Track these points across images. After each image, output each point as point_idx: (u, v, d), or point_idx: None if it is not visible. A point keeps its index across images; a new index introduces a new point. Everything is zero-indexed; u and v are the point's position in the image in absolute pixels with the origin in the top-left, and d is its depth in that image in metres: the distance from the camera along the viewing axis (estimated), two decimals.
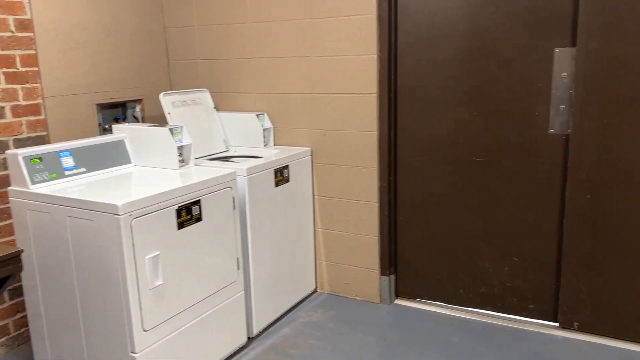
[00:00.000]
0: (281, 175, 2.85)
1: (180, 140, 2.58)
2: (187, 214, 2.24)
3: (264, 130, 3.13)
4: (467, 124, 2.78)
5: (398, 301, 3.13)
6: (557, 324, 2.78)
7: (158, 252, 2.11)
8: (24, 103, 2.64)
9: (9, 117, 2.58)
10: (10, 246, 1.75)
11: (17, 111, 2.61)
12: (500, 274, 2.85)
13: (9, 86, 2.57)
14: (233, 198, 2.48)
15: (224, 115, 3.19)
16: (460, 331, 2.77)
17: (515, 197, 2.74)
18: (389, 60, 2.83)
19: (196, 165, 2.64)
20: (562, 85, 2.55)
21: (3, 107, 2.55)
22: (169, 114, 2.86)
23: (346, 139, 2.98)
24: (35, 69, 2.68)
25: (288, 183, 2.91)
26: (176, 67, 3.43)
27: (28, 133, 2.67)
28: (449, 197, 2.89)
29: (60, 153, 2.35)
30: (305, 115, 3.07)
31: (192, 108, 3.02)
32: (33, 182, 2.21)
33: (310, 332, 2.80)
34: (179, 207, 2.20)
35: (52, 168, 2.29)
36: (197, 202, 2.28)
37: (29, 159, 2.23)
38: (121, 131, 2.66)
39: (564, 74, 2.54)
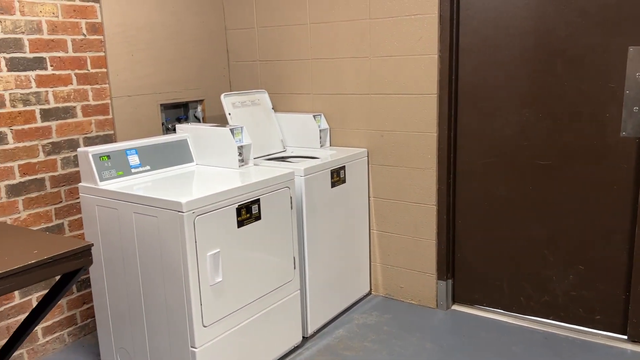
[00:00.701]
0: (337, 176, 2.84)
1: (240, 140, 2.62)
2: (247, 213, 2.27)
3: (321, 131, 3.13)
4: (531, 126, 2.68)
5: (455, 307, 3.05)
6: (625, 337, 2.63)
7: (218, 250, 2.14)
8: (93, 103, 2.76)
9: (79, 117, 2.70)
10: (81, 240, 1.83)
11: (87, 111, 2.73)
12: (564, 282, 2.73)
13: (80, 87, 2.69)
14: (290, 198, 2.50)
15: (282, 115, 3.22)
16: (521, 340, 2.67)
17: (582, 203, 2.62)
18: (450, 60, 2.77)
19: (255, 165, 2.68)
20: (637, 85, 2.42)
21: (74, 107, 2.68)
22: (229, 114, 2.92)
23: (404, 140, 2.94)
24: (104, 70, 2.79)
25: (344, 184, 2.90)
26: (236, 68, 3.49)
27: (97, 132, 2.79)
28: (511, 201, 2.80)
29: (127, 151, 2.44)
30: (363, 116, 3.05)
31: (251, 109, 3.07)
32: (102, 179, 2.31)
33: (366, 334, 2.78)
34: (239, 205, 2.23)
35: (119, 166, 2.38)
36: (257, 201, 2.31)
37: (99, 157, 2.33)
38: (184, 131, 2.73)
39: (638, 74, 2.41)
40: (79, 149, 2.34)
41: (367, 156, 3.08)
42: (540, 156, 2.68)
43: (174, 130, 2.79)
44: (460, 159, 2.90)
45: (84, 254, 1.78)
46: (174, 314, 2.14)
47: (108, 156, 2.36)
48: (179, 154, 2.64)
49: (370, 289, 3.25)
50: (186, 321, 2.10)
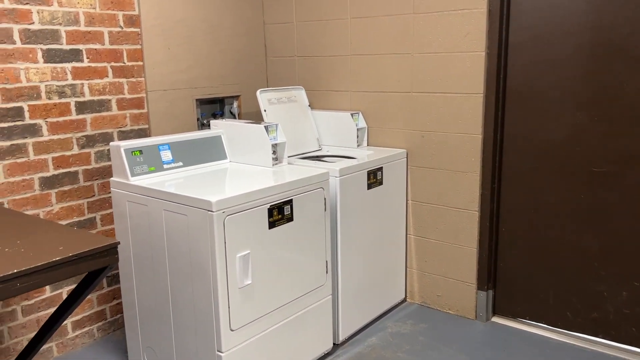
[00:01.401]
0: (374, 178, 2.72)
1: (274, 138, 2.54)
2: (279, 214, 2.18)
3: (358, 129, 3.02)
4: (586, 130, 2.49)
5: (495, 319, 2.89)
6: None
7: (248, 251, 2.06)
8: (128, 96, 2.72)
9: (114, 110, 2.67)
10: (107, 237, 1.77)
11: (122, 104, 2.70)
12: (617, 299, 2.54)
13: (116, 80, 2.66)
14: (324, 199, 2.39)
15: (318, 113, 3.12)
16: (565, 358, 2.50)
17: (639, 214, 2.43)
18: (498, 57, 2.61)
19: (289, 163, 2.58)
20: None
21: (109, 100, 2.65)
22: (264, 111, 2.84)
23: (446, 141, 2.79)
24: (140, 63, 2.76)
25: (381, 186, 2.78)
26: (273, 64, 3.41)
27: (131, 126, 2.75)
28: (560, 209, 2.62)
29: (160, 147, 2.38)
30: (403, 115, 2.92)
31: (287, 105, 2.98)
32: (133, 174, 2.26)
33: (399, 344, 2.65)
34: (270, 206, 2.14)
35: (151, 161, 2.33)
36: (289, 202, 2.22)
37: (131, 152, 2.28)
38: (218, 127, 2.67)
39: None
40: (111, 143, 2.30)
41: (406, 157, 2.95)
42: (595, 162, 2.49)
43: (209, 126, 2.73)
44: (506, 163, 2.73)
45: (110, 252, 1.73)
46: (201, 316, 2.07)
47: (140, 151, 2.31)
48: (213, 151, 2.57)
49: (405, 296, 3.11)
50: (213, 324, 2.03)
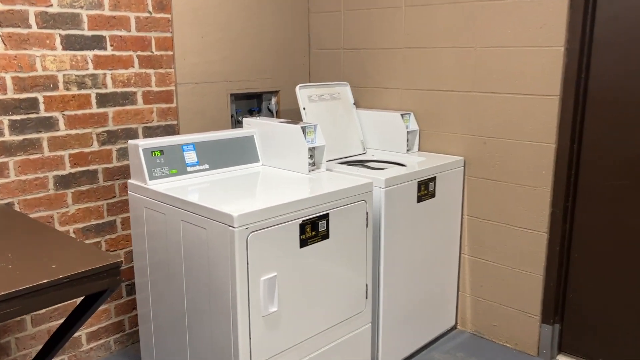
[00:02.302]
0: (426, 189, 2.37)
1: (312, 141, 2.23)
2: (312, 230, 1.87)
3: (409, 132, 2.67)
4: None
5: (561, 357, 2.49)
6: None
7: (275, 274, 1.77)
8: (156, 89, 2.48)
9: (140, 104, 2.43)
10: (109, 254, 1.51)
11: (148, 97, 2.46)
12: None
13: (142, 70, 2.42)
14: (367, 214, 2.07)
15: (364, 112, 2.79)
16: None
17: None
18: (580, 54, 2.21)
19: (328, 170, 2.27)
20: None
21: (135, 93, 2.41)
22: (304, 109, 2.53)
23: (513, 149, 2.41)
24: (170, 53, 2.51)
25: (433, 198, 2.42)
26: (317, 57, 3.10)
27: (158, 121, 2.51)
28: None
29: (184, 147, 2.12)
30: (461, 117, 2.55)
31: (329, 103, 2.67)
32: (151, 178, 2.00)
33: None
34: (303, 221, 1.84)
35: (173, 163, 2.07)
36: (325, 217, 1.91)
37: (150, 152, 2.02)
38: (251, 126, 2.38)
39: None
40: (129, 142, 2.06)
41: (464, 166, 2.58)
42: None
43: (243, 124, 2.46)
44: (584, 178, 2.32)
45: (110, 274, 1.47)
46: (219, 345, 1.79)
47: (161, 151, 2.06)
48: (244, 152, 2.29)
49: (456, 323, 2.75)
50: (232, 356, 1.75)
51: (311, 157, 2.22)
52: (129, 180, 2.09)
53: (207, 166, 2.16)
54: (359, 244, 2.06)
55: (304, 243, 1.85)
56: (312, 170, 2.22)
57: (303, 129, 2.20)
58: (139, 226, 2.09)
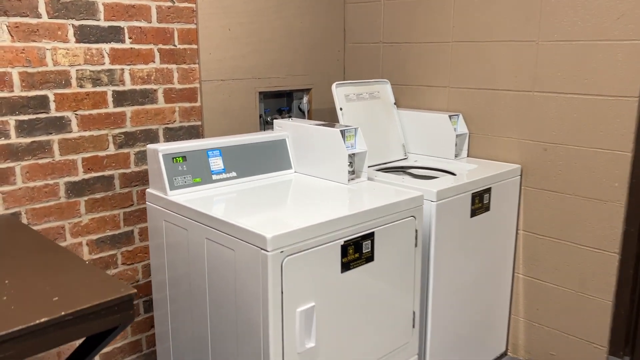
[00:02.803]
0: (480, 202, 2.10)
1: (352, 146, 1.98)
2: (356, 252, 1.62)
3: (457, 136, 2.39)
4: None
5: None
6: None
7: (313, 304, 1.52)
8: (178, 86, 2.25)
9: (160, 102, 2.20)
10: (120, 284, 1.28)
11: (170, 96, 2.23)
12: None
13: (164, 66, 2.19)
14: (416, 231, 1.80)
15: (405, 113, 2.52)
16: None
17: None
18: None
19: (369, 179, 2.01)
20: None
21: (155, 90, 2.18)
22: (340, 109, 2.27)
23: (578, 157, 2.11)
24: (195, 46, 2.27)
25: (487, 212, 2.15)
26: (353, 52, 2.84)
27: (181, 122, 2.28)
28: None
29: (209, 152, 1.88)
30: (518, 120, 2.27)
31: (368, 103, 2.40)
32: (172, 187, 1.77)
33: None
34: (345, 242, 1.58)
35: (196, 170, 1.83)
36: (370, 236, 1.65)
37: (171, 158, 1.79)
38: (283, 128, 2.13)
39: None
40: (148, 146, 1.83)
41: (520, 175, 2.29)
42: None
43: (273, 125, 2.21)
44: None
45: (122, 307, 1.24)
46: None
47: (184, 157, 1.82)
48: (275, 158, 2.05)
49: (507, 349, 2.47)
50: None
51: (351, 164, 1.97)
52: (148, 190, 1.87)
53: (234, 174, 1.92)
54: (406, 266, 1.79)
55: (345, 267, 1.60)
56: (352, 179, 1.97)
57: (342, 132, 1.94)
58: (158, 242, 1.86)
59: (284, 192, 1.84)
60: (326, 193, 1.81)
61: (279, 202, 1.71)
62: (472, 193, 2.05)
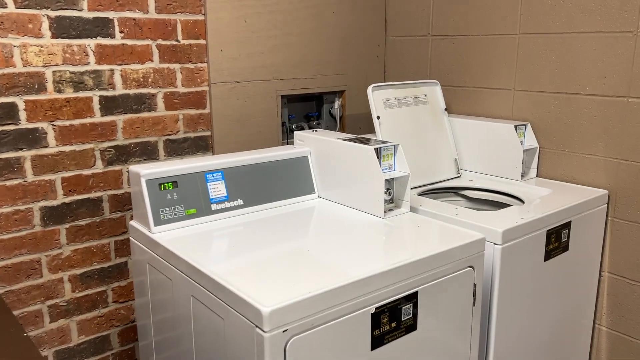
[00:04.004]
0: (557, 241, 1.62)
1: (390, 168, 1.54)
2: (392, 320, 1.19)
3: (525, 151, 1.92)
4: None
5: None
6: None
7: None
8: (182, 90, 1.87)
9: (160, 109, 1.83)
10: None
11: (172, 101, 1.85)
12: None
13: (164, 65, 1.81)
14: (474, 286, 1.36)
15: (458, 121, 2.06)
16: None
17: None
18: None
19: (411, 209, 1.57)
20: None
21: (154, 95, 1.81)
22: (377, 118, 1.84)
23: None
24: (202, 42, 1.89)
25: (565, 253, 1.67)
26: (396, 47, 2.39)
27: (186, 132, 1.90)
28: None
29: (208, 175, 1.49)
30: (606, 133, 1.77)
31: (413, 110, 1.96)
32: (158, 222, 1.39)
33: None
34: (377, 308, 1.16)
35: (191, 199, 1.45)
36: (412, 298, 1.22)
37: (157, 184, 1.41)
38: (304, 142, 1.72)
39: None
40: (130, 168, 1.45)
41: (607, 204, 1.79)
42: None
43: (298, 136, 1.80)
44: None
45: None
46: None
47: (174, 183, 1.44)
48: (293, 181, 1.64)
49: None
50: None
51: (388, 191, 1.53)
52: (131, 222, 1.49)
53: (240, 202, 1.53)
54: (460, 332, 1.35)
55: (378, 342, 1.17)
56: (390, 210, 1.54)
57: (378, 151, 1.51)
58: (142, 289, 1.48)
59: (302, 227, 1.43)
60: (355, 232, 1.39)
61: (291, 245, 1.30)
62: (548, 230, 1.57)
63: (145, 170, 1.40)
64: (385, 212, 1.51)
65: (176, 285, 1.28)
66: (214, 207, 1.48)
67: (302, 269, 1.16)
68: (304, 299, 1.03)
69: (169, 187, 1.42)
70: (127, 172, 1.79)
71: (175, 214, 1.42)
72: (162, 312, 1.39)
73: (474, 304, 1.36)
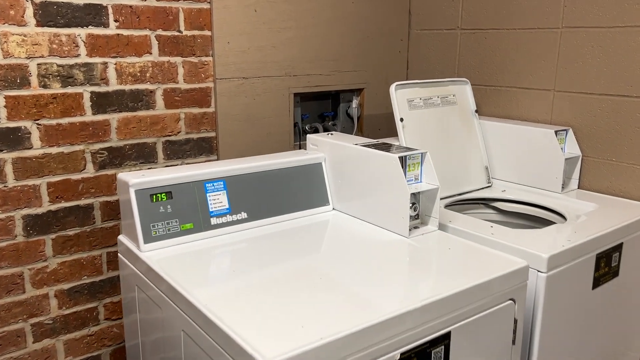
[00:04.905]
0: (607, 266, 1.41)
1: (417, 179, 1.35)
2: None
3: (567, 160, 1.70)
4: None
5: None
6: None
7: None
8: (184, 86, 1.69)
9: (159, 108, 1.65)
10: None
11: (173, 98, 1.67)
12: None
13: (165, 59, 1.63)
14: (514, 322, 1.15)
15: (490, 125, 1.85)
16: None
17: None
18: None
19: (439, 227, 1.37)
20: None
21: (152, 92, 1.63)
22: (400, 120, 1.64)
23: None
24: (207, 33, 1.70)
25: (615, 279, 1.46)
26: (420, 41, 2.18)
27: (188, 133, 1.72)
28: None
29: (208, 185, 1.31)
30: None
31: (440, 111, 1.75)
32: (148, 239, 1.21)
33: None
34: (403, 354, 0.96)
35: (187, 212, 1.26)
36: (443, 340, 1.02)
37: (149, 195, 1.23)
38: (318, 147, 1.53)
39: None
40: (119, 176, 1.27)
41: None
42: None
43: (313, 138, 1.61)
44: None
45: None
46: None
47: (168, 193, 1.25)
48: (305, 191, 1.45)
49: None
50: None
51: (414, 206, 1.34)
52: (119, 237, 1.31)
53: (244, 215, 1.34)
54: None
55: None
56: (415, 228, 1.34)
57: (402, 159, 1.31)
58: (131, 311, 1.30)
59: (313, 247, 1.23)
60: (375, 254, 1.19)
61: (300, 269, 1.11)
62: (597, 254, 1.36)
63: (135, 179, 1.21)
64: (410, 229, 1.31)
65: (166, 315, 1.10)
66: (213, 221, 1.30)
67: (313, 303, 0.97)
68: (314, 348, 0.84)
69: (162, 199, 1.24)
70: None
71: (168, 230, 1.24)
72: (152, 334, 1.21)
73: (513, 342, 1.16)
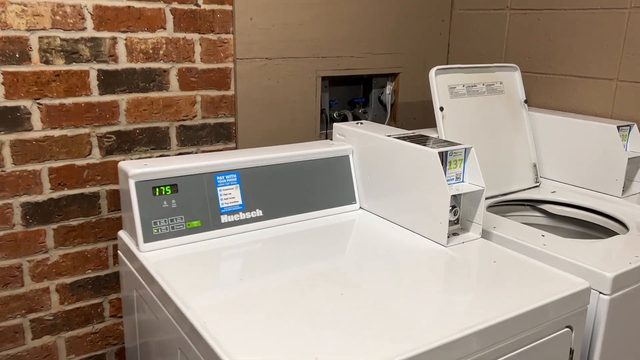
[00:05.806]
0: None
1: (459, 179, 1.17)
2: None
3: (630, 160, 1.49)
4: None
5: None
6: None
7: None
8: (201, 66, 1.54)
9: (174, 89, 1.51)
10: None
11: (188, 79, 1.52)
12: None
13: (180, 35, 1.48)
14: (571, 353, 0.97)
15: (540, 117, 1.65)
16: None
17: None
18: None
19: (482, 235, 1.19)
20: None
21: (166, 71, 1.48)
22: (440, 109, 1.45)
23: None
24: (228, 7, 1.54)
25: None
26: (463, 22, 1.98)
27: (204, 117, 1.57)
28: None
29: (219, 178, 1.16)
30: None
31: (485, 100, 1.56)
32: (148, 238, 1.07)
33: None
34: None
35: (194, 208, 1.12)
36: None
37: (151, 188, 1.08)
38: (345, 137, 1.36)
39: None
40: (119, 164, 1.13)
41: None
42: None
43: (340, 127, 1.44)
44: None
45: None
46: None
47: (173, 186, 1.11)
48: (329, 186, 1.29)
49: None
50: None
51: (454, 210, 1.16)
52: (120, 232, 1.18)
53: (259, 213, 1.19)
54: None
55: None
56: (455, 235, 1.16)
57: (443, 155, 1.13)
58: (130, 313, 1.17)
59: (336, 251, 1.07)
60: (407, 264, 1.02)
61: (320, 278, 0.95)
62: None
63: (136, 169, 1.07)
64: (448, 236, 1.13)
65: (163, 326, 0.96)
66: (224, 219, 1.15)
67: (334, 323, 0.81)
68: None
69: (166, 192, 1.10)
70: None
71: (172, 228, 1.09)
72: (149, 338, 1.08)
73: None
